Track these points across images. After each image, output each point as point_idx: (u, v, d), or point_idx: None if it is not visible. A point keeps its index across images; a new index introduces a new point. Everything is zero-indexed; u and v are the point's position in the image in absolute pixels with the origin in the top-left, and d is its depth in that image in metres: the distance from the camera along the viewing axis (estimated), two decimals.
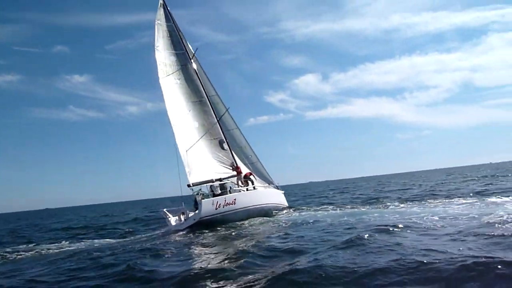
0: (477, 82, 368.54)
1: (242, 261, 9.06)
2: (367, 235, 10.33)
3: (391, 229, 11.08)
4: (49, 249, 16.09)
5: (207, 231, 16.37)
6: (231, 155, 20.91)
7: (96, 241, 17.75)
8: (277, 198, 22.26)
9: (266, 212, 20.51)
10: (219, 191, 18.99)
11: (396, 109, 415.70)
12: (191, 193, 19.22)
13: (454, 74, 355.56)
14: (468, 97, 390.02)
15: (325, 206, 23.30)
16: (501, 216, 11.63)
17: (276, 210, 21.65)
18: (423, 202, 19.59)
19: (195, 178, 19.23)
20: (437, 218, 12.92)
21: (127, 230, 21.95)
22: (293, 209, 22.78)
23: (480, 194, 21.02)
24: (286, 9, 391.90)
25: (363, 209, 19.26)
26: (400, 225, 11.63)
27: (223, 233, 15.27)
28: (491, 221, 11.07)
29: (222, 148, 20.83)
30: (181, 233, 16.80)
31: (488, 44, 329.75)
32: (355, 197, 31.34)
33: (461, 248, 7.97)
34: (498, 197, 17.68)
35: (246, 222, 18.09)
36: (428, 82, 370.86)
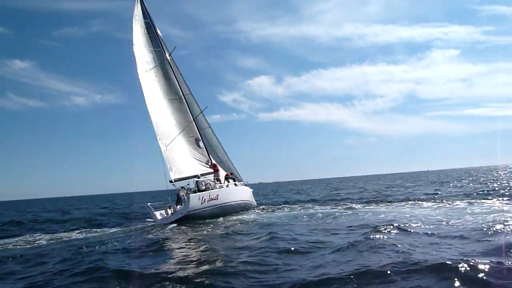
0: (420, 94, 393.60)
1: (237, 262, 8.54)
2: (362, 235, 10.63)
3: (382, 229, 11.26)
4: (16, 244, 15.10)
5: (184, 226, 16.55)
6: (206, 153, 21.35)
7: (63, 234, 17.16)
8: (249, 195, 23.22)
9: (242, 208, 21.64)
10: (204, 187, 19.61)
11: (346, 115, 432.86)
12: (174, 188, 19.70)
13: (399, 85, 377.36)
14: (412, 107, 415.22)
15: (292, 206, 24.17)
16: (472, 220, 12.56)
17: (249, 207, 22.53)
18: (387, 204, 20.88)
19: (177, 174, 19.59)
20: (410, 218, 13.81)
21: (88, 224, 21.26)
22: (261, 207, 23.49)
23: (437, 197, 22.79)
24: (243, 10, 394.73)
25: (334, 209, 19.95)
26: (385, 225, 11.91)
27: (205, 232, 14.90)
28: (466, 223, 11.94)
29: (198, 146, 21.23)
30: (167, 227, 16.85)
31: (432, 59, 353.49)
32: (312, 198, 32.34)
33: (455, 247, 8.64)
34: (462, 201, 19.02)
35: (221, 219, 18.42)
36: (376, 91, 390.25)
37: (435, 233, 10.59)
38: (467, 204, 17.78)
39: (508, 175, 52.87)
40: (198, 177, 20.34)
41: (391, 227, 11.59)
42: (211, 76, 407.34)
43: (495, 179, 42.19)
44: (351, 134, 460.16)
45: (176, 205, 19.29)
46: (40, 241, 15.47)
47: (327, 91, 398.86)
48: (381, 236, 10.31)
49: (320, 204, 24.26)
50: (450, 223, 12.25)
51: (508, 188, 26.06)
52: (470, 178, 49.33)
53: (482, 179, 44.85)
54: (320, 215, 17.18)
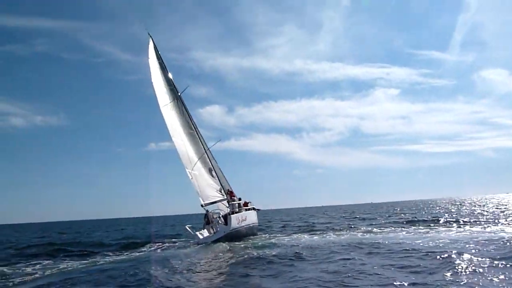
0: (364, 129, 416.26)
1: None
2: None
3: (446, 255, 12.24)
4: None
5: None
6: (219, 181, 23.47)
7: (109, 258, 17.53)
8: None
9: (256, 229, 24.25)
10: (237, 210, 21.66)
11: (294, 147, 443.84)
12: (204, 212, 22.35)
13: (345, 119, 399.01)
14: (356, 141, 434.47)
15: (293, 232, 25.45)
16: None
17: (257, 230, 24.89)
18: (380, 229, 23.34)
19: (205, 199, 22.20)
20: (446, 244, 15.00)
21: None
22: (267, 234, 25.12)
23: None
24: (196, 39, 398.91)
25: (333, 235, 21.11)
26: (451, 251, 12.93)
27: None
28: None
29: (212, 175, 23.35)
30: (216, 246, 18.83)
31: (375, 97, 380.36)
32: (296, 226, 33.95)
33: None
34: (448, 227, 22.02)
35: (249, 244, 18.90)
36: (323, 124, 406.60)
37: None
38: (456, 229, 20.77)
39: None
40: (233, 201, 22.67)
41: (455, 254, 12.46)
42: None
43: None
44: (299, 165, 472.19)
45: (205, 226, 21.62)
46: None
47: (276, 122, 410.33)
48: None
49: (317, 231, 25.27)
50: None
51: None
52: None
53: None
54: (342, 242, 17.71)
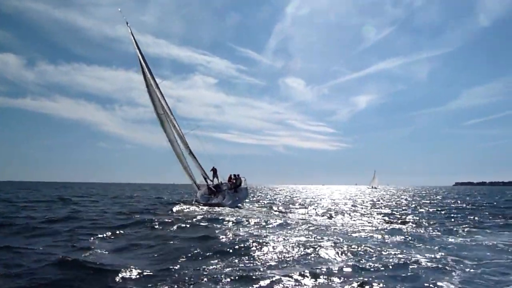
0: (179, 111, 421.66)
1: None
2: None
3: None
4: None
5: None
6: (197, 161, 28.13)
7: None
8: None
9: None
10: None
11: (103, 118, 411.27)
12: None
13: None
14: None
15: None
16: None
17: None
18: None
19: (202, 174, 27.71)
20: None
21: None
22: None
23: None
24: None
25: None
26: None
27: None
28: None
29: (193, 156, 27.82)
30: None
31: (194, 82, 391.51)
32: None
33: None
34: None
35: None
36: (138, 100, 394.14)
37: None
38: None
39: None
40: (216, 176, 27.99)
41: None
42: None
43: None
44: (106, 138, 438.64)
45: (210, 194, 26.83)
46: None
47: (87, 88, 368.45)
48: None
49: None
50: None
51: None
52: None
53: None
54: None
